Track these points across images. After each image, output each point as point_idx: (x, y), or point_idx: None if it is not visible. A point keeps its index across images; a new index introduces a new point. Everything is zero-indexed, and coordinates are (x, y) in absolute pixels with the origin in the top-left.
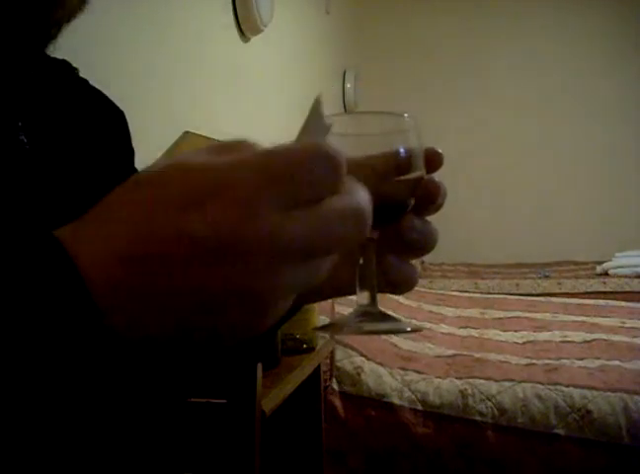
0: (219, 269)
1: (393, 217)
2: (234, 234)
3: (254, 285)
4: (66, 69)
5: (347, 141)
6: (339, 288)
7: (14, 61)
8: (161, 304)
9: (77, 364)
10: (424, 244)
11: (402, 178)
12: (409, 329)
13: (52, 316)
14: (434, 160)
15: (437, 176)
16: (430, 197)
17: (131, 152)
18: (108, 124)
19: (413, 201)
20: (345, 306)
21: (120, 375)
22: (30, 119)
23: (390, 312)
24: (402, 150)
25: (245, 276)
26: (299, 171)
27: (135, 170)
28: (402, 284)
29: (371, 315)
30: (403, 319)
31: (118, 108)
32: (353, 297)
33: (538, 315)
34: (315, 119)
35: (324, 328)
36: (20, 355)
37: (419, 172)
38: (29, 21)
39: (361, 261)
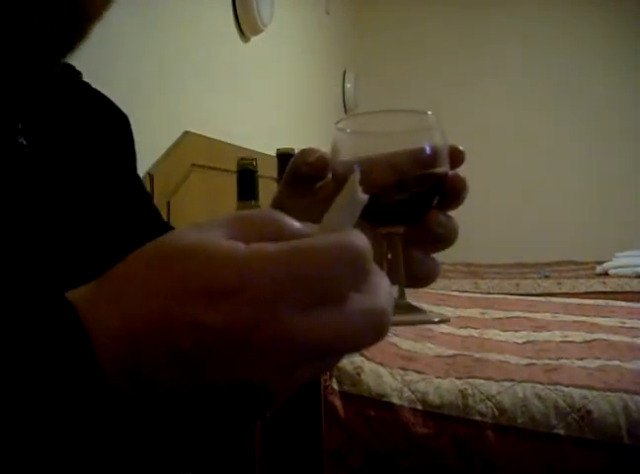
0: (230, 363)
1: (419, 213)
2: (251, 332)
3: (263, 381)
4: (69, 73)
5: (372, 139)
6: None
7: (18, 66)
8: (167, 391)
9: (83, 439)
10: (447, 238)
11: (428, 173)
12: (437, 320)
13: (63, 388)
14: (456, 156)
15: None
16: (455, 192)
17: (133, 157)
18: (110, 128)
19: (438, 197)
20: None
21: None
22: (30, 122)
23: (418, 304)
24: (427, 147)
25: (255, 373)
26: (325, 272)
27: (137, 176)
28: (425, 278)
29: (401, 307)
30: (430, 311)
31: (121, 112)
32: None
33: (538, 315)
34: (350, 194)
35: None
36: (25, 426)
37: (444, 168)
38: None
39: (389, 255)
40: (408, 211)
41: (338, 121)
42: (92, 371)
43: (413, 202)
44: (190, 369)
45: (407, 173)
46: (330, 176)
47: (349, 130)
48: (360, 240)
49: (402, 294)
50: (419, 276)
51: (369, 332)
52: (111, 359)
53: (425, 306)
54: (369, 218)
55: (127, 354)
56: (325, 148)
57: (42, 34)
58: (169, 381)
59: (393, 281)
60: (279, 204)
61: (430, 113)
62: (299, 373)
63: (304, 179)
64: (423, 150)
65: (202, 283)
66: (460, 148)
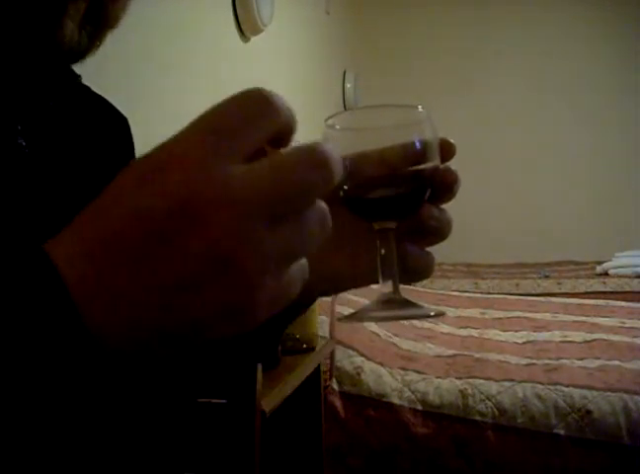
0: (185, 238)
1: (412, 207)
2: (192, 195)
3: (225, 243)
4: (69, 75)
5: (363, 135)
6: (360, 278)
7: (18, 65)
8: (135, 297)
9: (56, 362)
10: (441, 232)
11: (418, 168)
12: (432, 313)
13: (29, 310)
14: (447, 150)
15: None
16: (446, 186)
17: (133, 158)
18: (110, 131)
19: (430, 191)
20: (345, 306)
21: (104, 376)
22: (30, 124)
23: (413, 299)
24: (417, 141)
25: (213, 235)
26: (236, 120)
27: None
28: (420, 272)
29: (395, 302)
30: (426, 305)
31: (121, 114)
32: (353, 297)
33: (538, 315)
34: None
35: (349, 317)
36: None
37: (434, 162)
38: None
39: (383, 251)
40: (400, 206)
41: (327, 118)
42: (57, 292)
43: (405, 197)
44: (149, 262)
45: (398, 168)
46: None
47: (338, 127)
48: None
49: (396, 289)
50: (414, 270)
51: (311, 173)
52: (73, 275)
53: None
54: (361, 214)
55: (87, 263)
56: None
57: (52, 38)
58: (133, 282)
59: (387, 277)
60: None
61: (420, 107)
62: (269, 281)
63: None
64: (413, 145)
65: (137, 170)
66: (451, 141)
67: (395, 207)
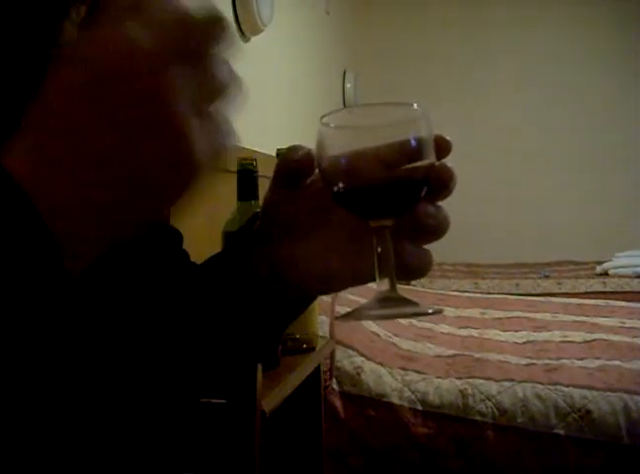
0: (115, 96)
1: (408, 205)
2: (109, 56)
3: (148, 87)
4: None
5: (358, 133)
6: (357, 277)
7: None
8: (75, 152)
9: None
10: (438, 229)
11: (414, 165)
12: (430, 311)
13: None
14: (442, 146)
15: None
16: (442, 183)
17: None
18: None
19: (426, 189)
20: (345, 306)
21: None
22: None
23: (410, 297)
24: (412, 139)
25: (134, 86)
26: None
27: None
28: (418, 270)
29: (392, 300)
30: (423, 303)
31: None
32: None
33: (538, 315)
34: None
35: (347, 316)
36: None
37: (430, 159)
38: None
39: (379, 249)
40: (396, 204)
41: (322, 116)
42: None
43: (401, 195)
44: (87, 129)
45: (394, 166)
46: (317, 172)
47: (333, 125)
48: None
49: (393, 288)
50: (412, 267)
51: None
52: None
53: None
54: (358, 212)
55: (29, 146)
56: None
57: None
58: (74, 149)
59: (384, 275)
60: (270, 202)
61: (415, 104)
62: (196, 121)
63: (292, 176)
64: (409, 142)
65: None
66: (447, 138)
67: (391, 205)
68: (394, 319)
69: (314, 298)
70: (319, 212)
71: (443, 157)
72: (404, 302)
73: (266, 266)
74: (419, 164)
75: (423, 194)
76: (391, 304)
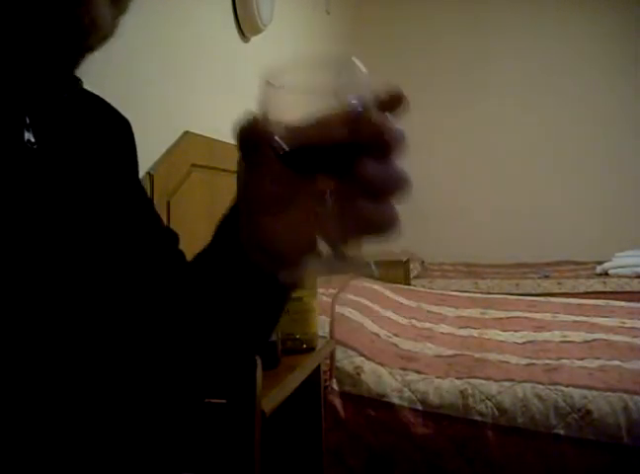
0: None
1: (343, 162)
2: None
3: None
4: (71, 79)
5: (298, 95)
6: (302, 246)
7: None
8: None
9: None
10: (390, 185)
11: (354, 125)
12: (373, 267)
13: None
14: (395, 100)
15: (439, 174)
16: (384, 141)
17: (135, 163)
18: (112, 133)
19: (362, 143)
20: (345, 306)
21: None
22: (37, 120)
23: (354, 254)
24: (353, 98)
25: None
26: None
27: (139, 181)
28: (383, 225)
29: (337, 258)
30: (368, 262)
31: (123, 117)
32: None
33: (538, 315)
34: None
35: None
36: None
37: (369, 116)
38: (62, 48)
39: (324, 210)
40: (336, 163)
41: (265, 78)
42: None
43: (339, 154)
44: None
45: (334, 125)
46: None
47: (275, 87)
48: None
49: (337, 249)
50: (375, 224)
51: None
52: None
53: (424, 305)
54: (300, 172)
55: None
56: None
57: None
58: None
59: (327, 237)
60: (241, 175)
61: (354, 58)
62: None
63: (247, 144)
64: (349, 102)
65: None
66: (399, 91)
67: (331, 164)
68: (340, 275)
69: (276, 274)
70: (282, 182)
71: (393, 110)
72: (347, 260)
73: (245, 236)
74: (358, 122)
75: (359, 150)
76: (335, 262)
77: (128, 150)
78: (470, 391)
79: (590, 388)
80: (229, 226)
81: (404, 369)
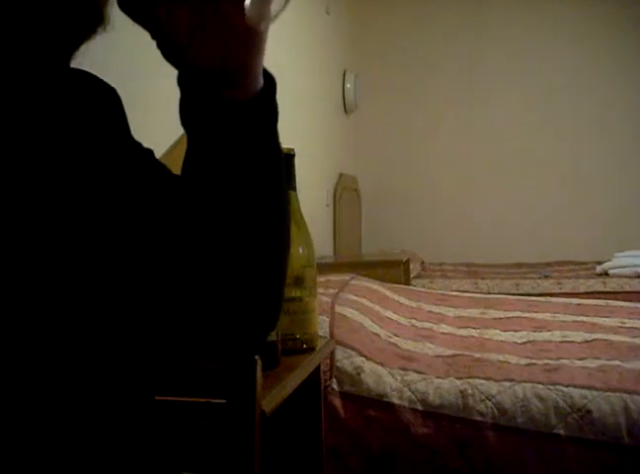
0: None
1: None
2: None
3: None
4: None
5: None
6: (183, 34)
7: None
8: None
9: None
10: None
11: None
12: None
13: None
14: None
15: (440, 175)
16: None
17: (126, 125)
18: (100, 103)
19: None
20: (345, 306)
21: None
22: (26, 94)
23: None
24: None
25: None
26: None
27: (132, 139)
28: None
29: None
30: None
31: (108, 86)
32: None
33: (538, 315)
34: None
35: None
36: None
37: None
38: (61, 35)
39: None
40: None
41: None
42: None
43: None
44: None
45: None
46: None
47: None
48: None
49: None
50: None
51: None
52: None
53: (424, 305)
54: None
55: None
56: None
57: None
58: None
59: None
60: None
61: None
62: None
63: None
64: None
65: None
66: None
67: None
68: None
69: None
70: None
71: None
72: None
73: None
74: None
75: None
76: None
77: (118, 117)
78: (470, 391)
79: (590, 388)
80: (187, 101)
81: (404, 369)
